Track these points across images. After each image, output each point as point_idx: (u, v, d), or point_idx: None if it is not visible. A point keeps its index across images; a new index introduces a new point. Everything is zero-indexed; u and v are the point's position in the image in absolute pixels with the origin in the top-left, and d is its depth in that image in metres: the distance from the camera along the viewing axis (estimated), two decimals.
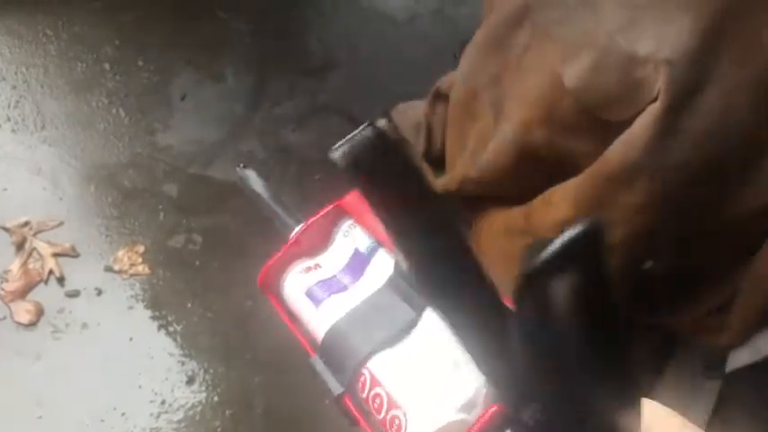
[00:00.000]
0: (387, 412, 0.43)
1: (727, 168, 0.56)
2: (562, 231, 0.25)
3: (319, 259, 0.58)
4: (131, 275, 1.18)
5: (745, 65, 0.71)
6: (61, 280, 1.17)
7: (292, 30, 1.56)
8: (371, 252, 0.54)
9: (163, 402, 1.05)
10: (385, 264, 0.53)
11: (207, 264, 1.21)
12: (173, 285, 1.18)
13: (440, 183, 1.20)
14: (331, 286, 0.54)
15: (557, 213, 0.63)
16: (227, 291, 1.18)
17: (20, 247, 1.20)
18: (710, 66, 0.74)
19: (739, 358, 1.09)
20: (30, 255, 1.19)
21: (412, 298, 0.47)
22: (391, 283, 0.49)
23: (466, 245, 0.29)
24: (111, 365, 1.09)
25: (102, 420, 1.03)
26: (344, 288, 0.53)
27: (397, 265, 0.50)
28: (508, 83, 0.90)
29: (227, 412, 1.05)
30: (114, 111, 1.41)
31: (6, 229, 1.23)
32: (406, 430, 0.41)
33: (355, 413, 0.45)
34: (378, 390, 0.44)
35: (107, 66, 1.47)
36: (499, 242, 0.93)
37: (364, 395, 0.45)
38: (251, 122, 1.41)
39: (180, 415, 1.04)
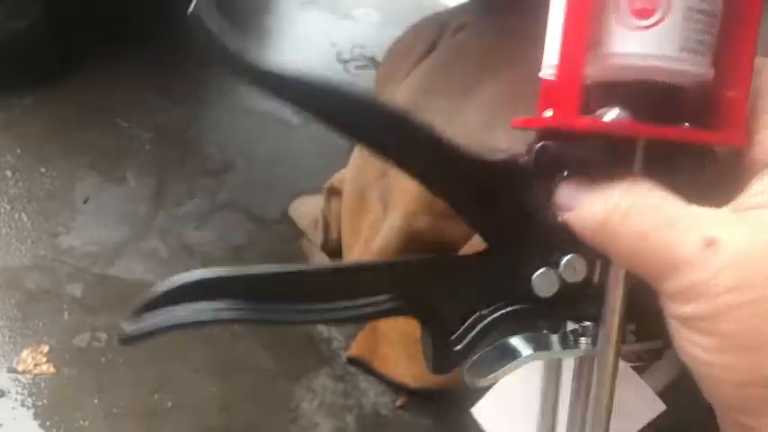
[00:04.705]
0: None
1: None
2: None
3: None
4: (36, 375, 1.20)
5: None
6: None
7: (191, 136, 1.65)
8: None
9: None
10: None
11: (112, 360, 1.24)
12: (78, 383, 1.20)
13: None
14: None
15: None
16: (133, 386, 1.21)
17: None
18: None
19: None
20: None
21: None
22: None
23: None
24: None
25: None
26: None
27: None
28: (392, 178, 1.03)
29: None
30: (17, 216, 1.44)
31: None
32: None
33: None
34: None
35: (9, 173, 1.51)
36: (398, 322, 1.03)
37: None
38: (153, 222, 1.47)
39: None
